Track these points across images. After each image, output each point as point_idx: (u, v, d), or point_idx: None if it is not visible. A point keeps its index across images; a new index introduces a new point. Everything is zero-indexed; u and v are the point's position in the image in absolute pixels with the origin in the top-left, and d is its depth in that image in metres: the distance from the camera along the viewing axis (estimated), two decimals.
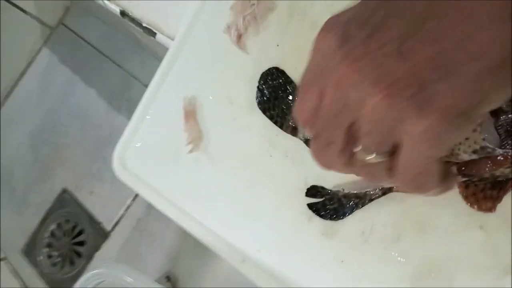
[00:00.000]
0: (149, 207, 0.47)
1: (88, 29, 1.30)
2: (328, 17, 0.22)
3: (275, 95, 0.39)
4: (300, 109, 0.23)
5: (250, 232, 0.39)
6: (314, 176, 0.37)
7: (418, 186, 0.22)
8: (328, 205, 0.33)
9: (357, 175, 0.24)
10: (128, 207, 1.06)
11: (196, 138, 0.44)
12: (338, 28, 0.21)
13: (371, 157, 0.22)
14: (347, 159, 0.23)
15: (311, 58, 0.23)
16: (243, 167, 0.41)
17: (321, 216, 0.33)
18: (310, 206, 0.34)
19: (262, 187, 0.39)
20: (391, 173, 0.22)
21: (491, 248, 0.29)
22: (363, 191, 0.32)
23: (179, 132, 0.45)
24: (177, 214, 0.43)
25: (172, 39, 0.56)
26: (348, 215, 0.33)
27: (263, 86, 0.38)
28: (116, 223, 1.06)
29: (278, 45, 0.42)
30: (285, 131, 0.38)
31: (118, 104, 1.18)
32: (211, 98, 0.45)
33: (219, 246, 0.41)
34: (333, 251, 0.34)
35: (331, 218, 0.33)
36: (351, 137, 0.21)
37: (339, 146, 0.22)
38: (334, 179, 0.34)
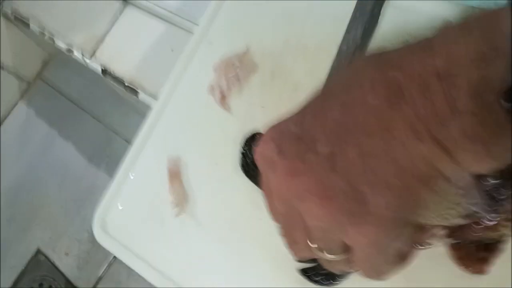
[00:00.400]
0: (130, 269, 0.45)
1: (67, 83, 1.29)
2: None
3: None
4: (268, 210, 0.25)
5: None
6: None
7: (377, 276, 0.23)
8: (321, 269, 0.32)
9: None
10: (107, 268, 1.01)
11: (182, 201, 0.43)
12: (276, 142, 0.22)
13: (327, 256, 0.23)
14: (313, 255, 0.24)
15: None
16: (231, 231, 0.40)
17: (315, 282, 0.32)
18: (302, 271, 0.33)
19: (251, 252, 0.38)
20: (350, 266, 0.23)
21: None
22: None
23: (163, 194, 0.44)
24: (161, 282, 0.42)
25: (155, 97, 0.57)
26: (344, 279, 0.32)
27: (246, 151, 0.39)
28: (94, 287, 1.00)
29: (263, 107, 0.43)
30: None
31: (99, 160, 1.16)
32: (196, 158, 0.45)
33: None
34: None
35: (325, 284, 0.32)
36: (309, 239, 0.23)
37: (302, 245, 0.23)
38: None
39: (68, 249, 1.10)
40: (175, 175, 0.45)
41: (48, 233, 1.15)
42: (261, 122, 0.42)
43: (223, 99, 0.45)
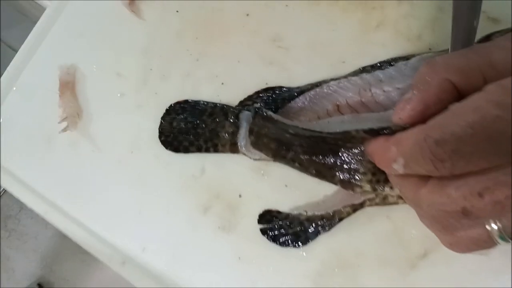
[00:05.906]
0: (21, 202, 0.38)
1: None
2: None
3: (190, 126, 0.33)
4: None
5: (134, 230, 0.33)
6: (212, 162, 0.32)
7: None
8: (286, 228, 0.28)
9: None
10: None
11: (73, 115, 0.36)
12: None
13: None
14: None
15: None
16: (130, 153, 0.34)
17: (280, 243, 0.29)
18: (263, 231, 0.29)
19: (151, 176, 0.33)
20: None
21: (397, 239, 0.28)
22: (331, 210, 0.28)
23: (53, 108, 0.37)
24: (46, 210, 0.35)
25: None
26: (312, 240, 0.28)
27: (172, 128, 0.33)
28: None
29: (177, 11, 0.36)
30: (222, 151, 0.32)
31: None
32: (95, 69, 0.38)
33: (98, 247, 0.34)
34: (230, 247, 0.30)
35: (293, 245, 0.29)
36: None
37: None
38: (274, 196, 0.30)
39: None
40: (66, 85, 0.37)
41: None
42: (176, 28, 0.36)
43: (132, 1, 0.38)
